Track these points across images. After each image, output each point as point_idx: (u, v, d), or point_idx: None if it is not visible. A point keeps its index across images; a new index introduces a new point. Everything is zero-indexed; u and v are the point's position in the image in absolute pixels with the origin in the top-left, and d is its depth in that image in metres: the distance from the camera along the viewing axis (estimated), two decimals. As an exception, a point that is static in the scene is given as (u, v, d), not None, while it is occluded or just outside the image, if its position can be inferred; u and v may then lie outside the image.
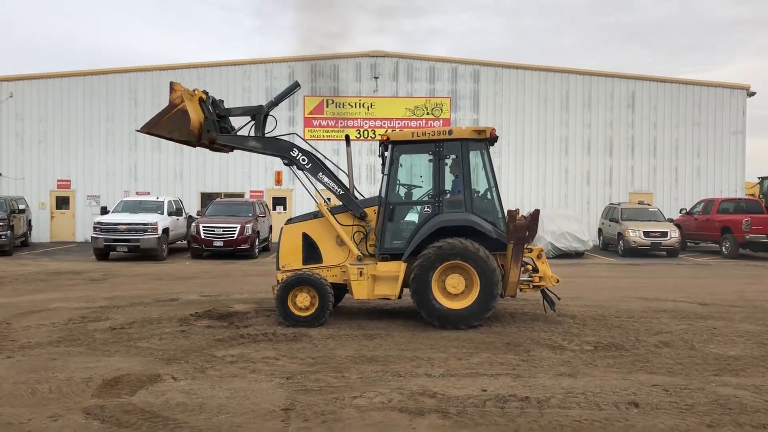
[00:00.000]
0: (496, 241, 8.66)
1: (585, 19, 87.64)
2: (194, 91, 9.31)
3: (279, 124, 10.06)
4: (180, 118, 8.81)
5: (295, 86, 9.76)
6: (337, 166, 10.31)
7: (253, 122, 9.45)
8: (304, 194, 22.03)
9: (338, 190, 9.13)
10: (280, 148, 9.31)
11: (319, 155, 9.38)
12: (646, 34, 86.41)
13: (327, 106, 26.15)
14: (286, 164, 9.36)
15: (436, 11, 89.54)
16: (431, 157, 8.97)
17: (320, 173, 9.17)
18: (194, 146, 9.57)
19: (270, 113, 9.54)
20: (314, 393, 5.71)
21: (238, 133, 9.68)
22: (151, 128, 9.08)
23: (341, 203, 9.24)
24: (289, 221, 9.60)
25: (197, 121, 9.05)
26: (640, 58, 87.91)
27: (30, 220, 23.22)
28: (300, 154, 9.18)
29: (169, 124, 8.92)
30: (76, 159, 25.89)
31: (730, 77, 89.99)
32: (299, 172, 9.32)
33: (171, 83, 8.99)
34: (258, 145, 9.32)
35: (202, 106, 9.27)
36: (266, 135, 9.40)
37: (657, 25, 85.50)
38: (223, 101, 9.84)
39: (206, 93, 9.43)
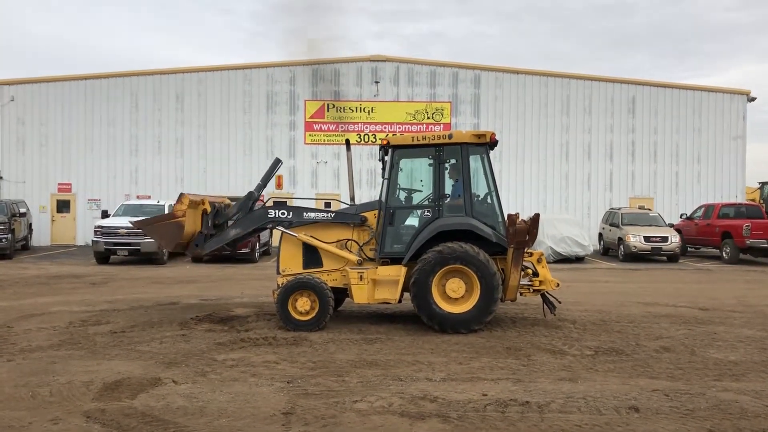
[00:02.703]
0: (496, 245, 8.66)
1: (585, 23, 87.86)
2: (202, 201, 9.45)
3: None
4: (173, 229, 9.06)
5: (277, 162, 9.84)
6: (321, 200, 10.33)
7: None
8: (305, 197, 22.23)
9: (327, 216, 9.27)
10: (258, 219, 9.40)
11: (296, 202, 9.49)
12: (647, 38, 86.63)
13: (328, 111, 26.17)
14: (271, 228, 9.60)
15: (437, 15, 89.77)
16: (431, 161, 8.98)
17: (305, 213, 9.31)
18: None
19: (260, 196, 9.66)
20: (315, 397, 5.71)
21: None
22: (145, 226, 9.58)
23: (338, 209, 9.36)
24: (290, 225, 9.62)
25: (191, 233, 9.28)
26: (641, 63, 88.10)
27: (31, 224, 23.26)
28: (277, 211, 9.30)
29: (161, 230, 9.25)
30: (77, 163, 25.93)
31: (731, 82, 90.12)
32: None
33: (181, 194, 9.17)
34: (238, 230, 9.41)
35: (203, 219, 9.40)
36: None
37: (657, 29, 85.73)
38: (229, 205, 9.89)
39: (213, 206, 9.48)
